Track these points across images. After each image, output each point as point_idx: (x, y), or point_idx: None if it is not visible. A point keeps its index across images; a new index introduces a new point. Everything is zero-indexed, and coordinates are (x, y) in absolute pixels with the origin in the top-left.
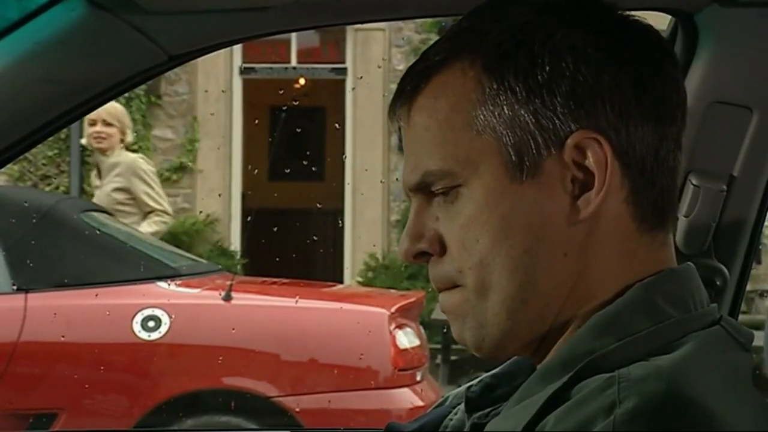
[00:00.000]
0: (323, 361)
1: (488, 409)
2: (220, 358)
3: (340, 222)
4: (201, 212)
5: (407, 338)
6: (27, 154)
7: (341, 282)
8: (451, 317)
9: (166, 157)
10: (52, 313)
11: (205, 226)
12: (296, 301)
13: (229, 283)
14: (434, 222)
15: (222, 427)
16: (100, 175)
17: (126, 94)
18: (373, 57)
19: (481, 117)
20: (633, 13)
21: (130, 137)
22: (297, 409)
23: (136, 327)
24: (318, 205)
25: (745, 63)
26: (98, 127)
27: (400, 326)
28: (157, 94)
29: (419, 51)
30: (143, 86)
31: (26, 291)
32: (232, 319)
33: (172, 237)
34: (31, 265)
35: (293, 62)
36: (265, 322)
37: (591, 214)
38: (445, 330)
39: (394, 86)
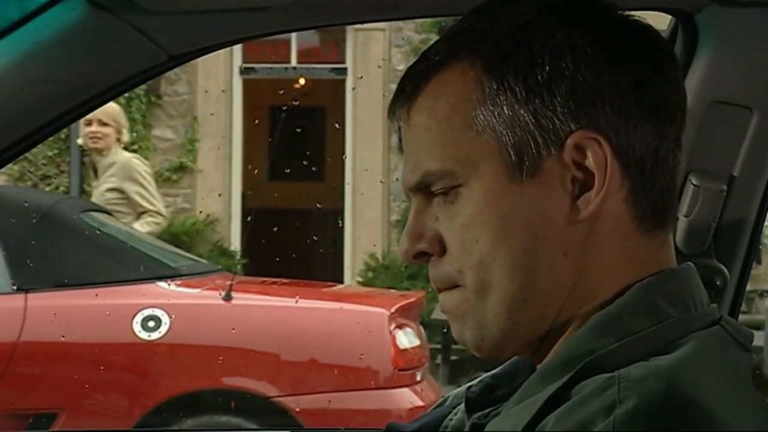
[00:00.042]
0: (323, 361)
1: (488, 410)
2: (220, 358)
3: (340, 222)
4: (201, 212)
5: (407, 338)
6: (27, 154)
7: (341, 282)
8: (451, 317)
9: (166, 157)
10: (52, 313)
11: (205, 226)
12: (296, 301)
13: (229, 283)
14: (434, 222)
15: (222, 427)
16: (96, 175)
17: (126, 94)
18: (373, 57)
19: (481, 117)
20: (633, 13)
21: (126, 137)
22: (297, 409)
23: (136, 327)
24: (318, 205)
25: (745, 63)
26: (94, 127)
27: (400, 326)
28: (157, 94)
29: (419, 51)
30: (143, 86)
31: (26, 291)
32: (232, 319)
33: (172, 237)
34: (31, 265)
35: (293, 62)
36: (265, 322)
37: (591, 214)
38: (445, 330)
39: (394, 86)
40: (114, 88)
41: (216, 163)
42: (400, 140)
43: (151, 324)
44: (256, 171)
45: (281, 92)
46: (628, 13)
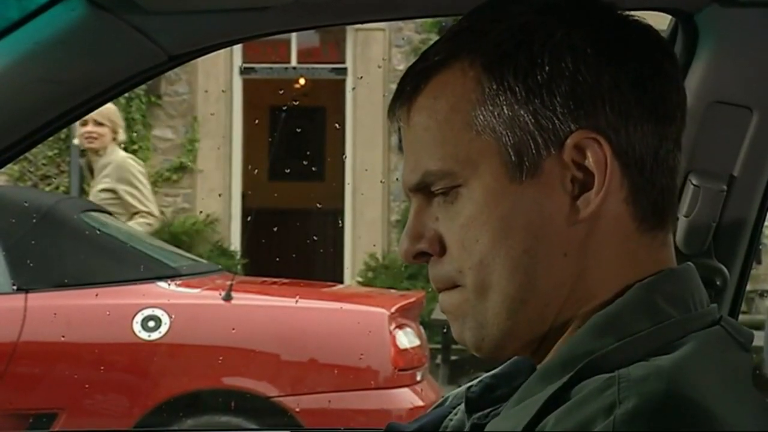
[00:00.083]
0: (323, 361)
1: (488, 410)
2: (220, 358)
3: (340, 222)
4: (201, 212)
5: (407, 338)
6: (27, 154)
7: (341, 282)
8: (451, 317)
9: (166, 157)
10: (52, 313)
11: (205, 226)
12: (296, 301)
13: (229, 283)
14: (434, 222)
15: (222, 427)
16: (92, 175)
17: (126, 94)
18: (373, 57)
19: (481, 117)
20: (633, 13)
21: (122, 136)
22: (297, 409)
23: (136, 327)
24: (318, 205)
25: (745, 63)
26: (89, 127)
27: (400, 326)
28: (157, 94)
29: (419, 51)
30: (143, 86)
31: (26, 291)
32: (232, 319)
33: (172, 237)
34: (31, 265)
35: (293, 62)
36: (265, 322)
37: (591, 214)
38: (445, 330)
39: (394, 86)
40: (114, 88)
41: (216, 163)
42: (400, 140)
43: (151, 324)
44: (256, 171)
45: (281, 92)
46: (628, 13)
